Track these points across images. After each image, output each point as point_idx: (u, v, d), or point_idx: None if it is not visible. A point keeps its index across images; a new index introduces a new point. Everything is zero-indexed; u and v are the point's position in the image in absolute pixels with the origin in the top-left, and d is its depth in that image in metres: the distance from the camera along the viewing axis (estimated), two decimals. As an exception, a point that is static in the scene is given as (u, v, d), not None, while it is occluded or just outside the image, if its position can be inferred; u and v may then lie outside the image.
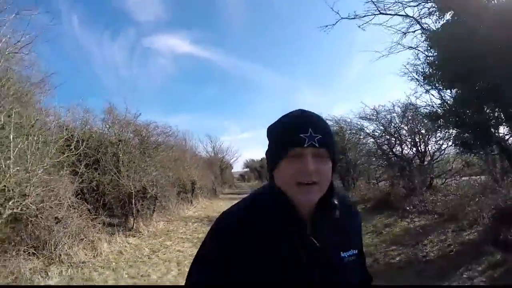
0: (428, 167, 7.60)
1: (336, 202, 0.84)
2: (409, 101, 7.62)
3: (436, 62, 4.72)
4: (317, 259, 0.78)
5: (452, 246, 4.47)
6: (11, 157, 3.79)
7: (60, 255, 5.01)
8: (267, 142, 0.87)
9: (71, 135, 6.49)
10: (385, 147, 9.09)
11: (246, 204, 0.86)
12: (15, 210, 3.85)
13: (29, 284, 3.78)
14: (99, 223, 6.29)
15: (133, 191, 7.86)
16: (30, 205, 4.03)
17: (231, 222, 0.81)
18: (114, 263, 5.05)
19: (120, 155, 8.38)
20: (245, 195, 0.95)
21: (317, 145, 0.75)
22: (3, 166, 3.69)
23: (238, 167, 43.84)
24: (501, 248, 3.88)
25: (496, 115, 4.47)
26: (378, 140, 9.13)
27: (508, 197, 4.65)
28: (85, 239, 5.70)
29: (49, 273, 4.36)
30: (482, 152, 5.27)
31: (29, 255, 4.66)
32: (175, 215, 10.38)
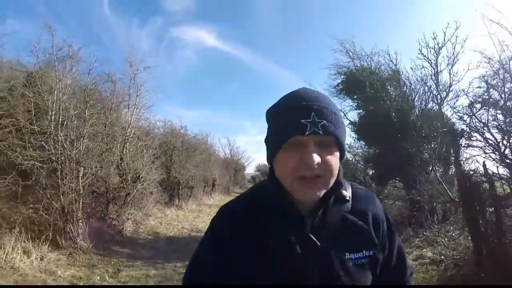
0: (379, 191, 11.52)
1: (346, 194, 0.77)
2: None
3: (357, 135, 8.82)
4: (317, 259, 0.71)
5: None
6: (144, 162, 8.14)
7: (148, 212, 9.32)
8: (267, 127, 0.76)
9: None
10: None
11: (245, 197, 0.82)
12: (142, 187, 8.16)
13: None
14: (163, 200, 10.63)
15: (181, 182, 12.21)
16: (147, 186, 8.36)
17: (227, 216, 0.79)
18: (177, 220, 9.38)
19: (174, 157, 12.73)
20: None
21: (320, 132, 0.65)
22: (141, 166, 8.01)
23: (250, 170, 45.17)
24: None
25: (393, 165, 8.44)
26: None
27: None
28: (157, 207, 10.03)
29: (149, 219, 8.62)
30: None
31: (137, 211, 8.97)
32: (202, 202, 14.69)
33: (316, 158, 0.64)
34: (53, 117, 5.44)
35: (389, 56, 7.57)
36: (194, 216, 10.73)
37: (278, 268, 0.70)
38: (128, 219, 7.45)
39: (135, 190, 7.86)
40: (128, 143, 7.78)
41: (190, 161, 13.71)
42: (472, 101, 4.39)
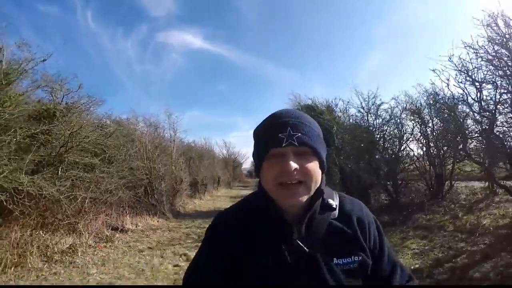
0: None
1: (332, 203, 0.82)
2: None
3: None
4: (305, 265, 0.75)
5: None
6: (182, 171, 13.99)
7: (185, 202, 15.09)
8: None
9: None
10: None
11: (238, 207, 0.90)
12: (182, 186, 14.00)
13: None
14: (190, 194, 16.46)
15: (198, 181, 18.07)
16: (184, 186, 14.21)
17: (220, 224, 0.86)
18: (203, 204, 15.30)
19: (191, 164, 18.54)
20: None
21: (296, 143, 0.73)
22: (181, 174, 13.83)
23: (247, 165, 48.85)
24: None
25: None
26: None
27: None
28: (188, 199, 15.84)
29: (188, 205, 14.40)
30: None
31: (179, 201, 14.74)
32: (213, 194, 20.60)
33: (294, 165, 0.72)
34: (145, 156, 11.26)
35: (312, 101, 13.48)
36: (212, 202, 16.70)
37: (267, 275, 0.75)
38: (179, 205, 13.35)
39: (180, 189, 13.72)
40: (174, 162, 13.61)
41: (201, 165, 19.57)
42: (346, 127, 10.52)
